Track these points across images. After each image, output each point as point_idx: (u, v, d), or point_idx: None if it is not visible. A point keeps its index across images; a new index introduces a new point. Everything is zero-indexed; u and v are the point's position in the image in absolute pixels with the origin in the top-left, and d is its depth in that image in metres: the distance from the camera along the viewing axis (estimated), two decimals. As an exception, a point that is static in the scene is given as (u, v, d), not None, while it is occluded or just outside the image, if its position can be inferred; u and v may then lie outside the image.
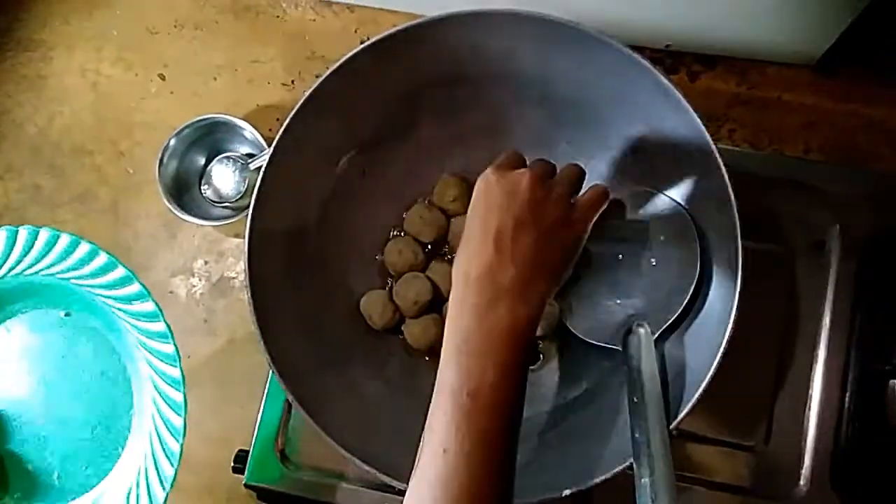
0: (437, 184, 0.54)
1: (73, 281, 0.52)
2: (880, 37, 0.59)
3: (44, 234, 0.52)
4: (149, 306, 0.51)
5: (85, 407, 0.53)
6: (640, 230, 0.49)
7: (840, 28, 0.56)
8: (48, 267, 0.52)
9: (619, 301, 0.48)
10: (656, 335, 0.45)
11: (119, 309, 0.52)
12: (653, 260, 0.48)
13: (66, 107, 0.67)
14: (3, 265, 0.53)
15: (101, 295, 0.52)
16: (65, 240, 0.52)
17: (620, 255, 0.49)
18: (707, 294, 0.45)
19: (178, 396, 0.50)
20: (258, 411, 0.54)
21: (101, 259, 0.51)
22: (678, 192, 0.48)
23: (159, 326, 0.51)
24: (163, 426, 0.50)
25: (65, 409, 0.53)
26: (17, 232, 0.52)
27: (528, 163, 0.45)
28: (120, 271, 0.51)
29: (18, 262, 0.52)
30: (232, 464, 0.54)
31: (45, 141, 0.66)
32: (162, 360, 0.51)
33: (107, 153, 0.66)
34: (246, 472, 0.53)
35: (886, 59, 0.62)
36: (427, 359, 0.53)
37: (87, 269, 0.52)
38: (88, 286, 0.52)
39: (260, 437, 0.54)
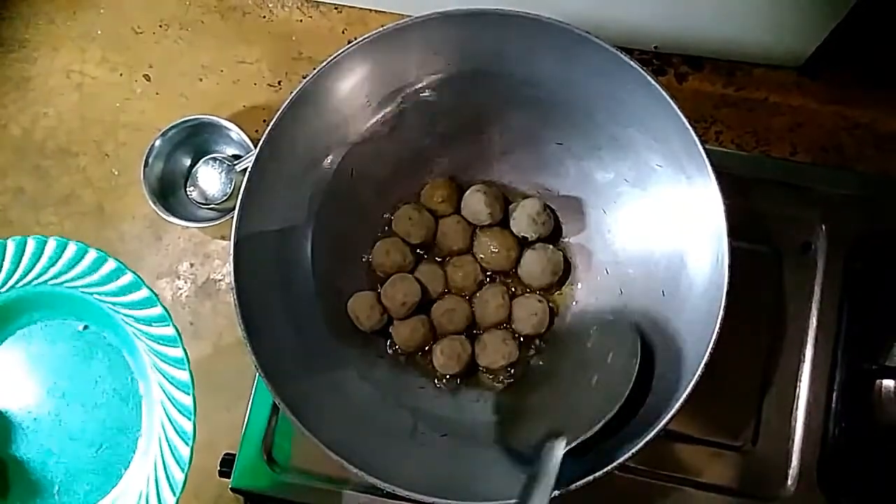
0: (426, 185, 0.54)
1: (95, 296, 0.52)
2: (866, 39, 0.59)
3: (71, 248, 0.51)
4: (168, 330, 0.50)
5: (93, 423, 0.52)
6: (594, 350, 0.49)
7: (826, 30, 0.57)
8: (72, 280, 0.52)
9: (549, 415, 0.47)
10: (566, 450, 0.43)
11: (138, 329, 0.51)
12: (594, 378, 0.47)
13: (50, 108, 0.66)
14: (27, 274, 0.52)
15: (122, 313, 0.51)
16: (91, 255, 0.51)
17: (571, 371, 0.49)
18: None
19: (187, 426, 0.49)
20: (245, 414, 0.54)
21: (127, 278, 0.51)
22: (665, 194, 0.48)
23: (177, 352, 0.50)
24: (169, 453, 0.49)
25: (73, 423, 0.52)
26: (45, 242, 0.52)
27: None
28: (143, 292, 0.50)
29: (44, 273, 0.52)
30: (218, 468, 0.53)
31: (29, 142, 0.66)
32: (175, 386, 0.50)
33: (91, 154, 0.65)
34: (232, 476, 0.53)
35: (872, 61, 0.62)
36: (415, 360, 0.53)
37: (110, 287, 0.51)
38: (110, 303, 0.52)
39: (246, 440, 0.53)
